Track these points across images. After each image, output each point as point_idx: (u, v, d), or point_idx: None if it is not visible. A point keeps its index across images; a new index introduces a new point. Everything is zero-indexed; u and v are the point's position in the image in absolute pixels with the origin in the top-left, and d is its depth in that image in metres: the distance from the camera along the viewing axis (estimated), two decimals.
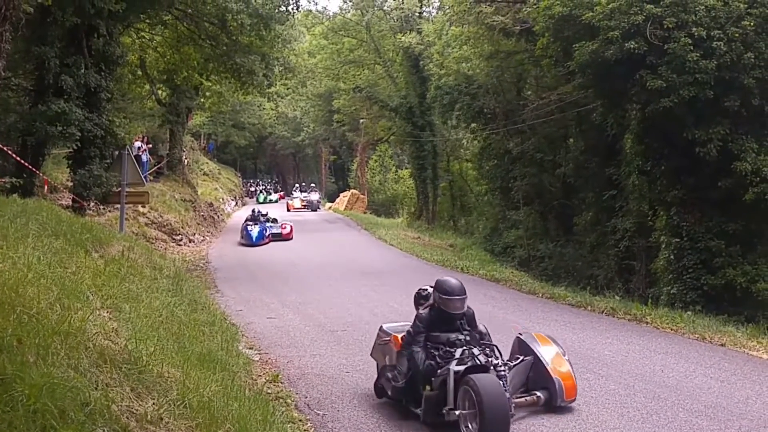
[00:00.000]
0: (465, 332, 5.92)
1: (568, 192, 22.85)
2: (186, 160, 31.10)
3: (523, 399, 5.93)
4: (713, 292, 13.71)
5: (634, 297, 15.30)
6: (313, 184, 53.84)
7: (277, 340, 9.27)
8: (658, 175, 15.04)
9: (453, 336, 5.87)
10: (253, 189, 57.58)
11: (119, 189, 14.79)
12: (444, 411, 5.47)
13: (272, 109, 53.16)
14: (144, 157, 22.64)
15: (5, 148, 12.73)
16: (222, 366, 6.16)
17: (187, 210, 24.17)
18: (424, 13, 36.60)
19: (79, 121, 13.31)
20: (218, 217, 30.40)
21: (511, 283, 14.98)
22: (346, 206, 42.31)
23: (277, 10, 18.76)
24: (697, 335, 9.45)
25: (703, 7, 13.33)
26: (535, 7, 16.62)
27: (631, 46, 13.26)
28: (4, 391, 3.06)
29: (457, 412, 5.37)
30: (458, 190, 36.65)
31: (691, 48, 13.07)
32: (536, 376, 6.08)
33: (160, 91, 26.61)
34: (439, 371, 5.65)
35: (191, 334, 6.96)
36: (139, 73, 23.76)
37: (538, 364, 6.09)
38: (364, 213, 39.66)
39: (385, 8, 38.03)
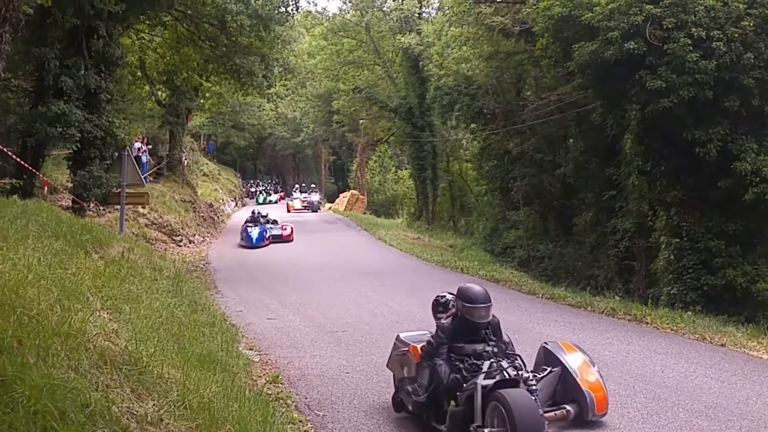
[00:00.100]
0: (491, 343, 5.56)
1: (568, 192, 22.86)
2: (186, 161, 31.09)
3: (552, 414, 5.45)
4: (713, 293, 13.71)
5: (634, 297, 15.30)
6: (313, 185, 53.85)
7: (277, 341, 9.26)
8: (658, 175, 15.04)
9: (479, 347, 5.52)
10: (253, 190, 57.62)
11: (119, 190, 14.80)
12: (471, 428, 5.08)
13: (272, 110, 53.17)
14: (144, 158, 22.63)
15: (5, 150, 12.73)
16: (222, 367, 6.16)
17: (187, 211, 24.17)
18: (424, 14, 36.64)
19: (79, 122, 13.31)
20: (218, 218, 30.40)
21: (511, 284, 14.98)
22: (346, 207, 42.31)
23: (276, 11, 18.77)
24: (697, 335, 9.44)
25: (702, 7, 13.34)
26: (534, 7, 16.63)
27: (631, 46, 13.26)
28: (4, 393, 3.06)
29: (486, 430, 4.99)
30: (458, 191, 36.67)
31: (691, 48, 13.08)
32: (564, 388, 5.65)
33: (159, 92, 26.61)
34: (465, 385, 5.28)
35: (191, 335, 6.96)
36: (139, 74, 23.75)
37: (566, 375, 5.67)
38: (364, 213, 39.64)
39: (384, 9, 38.03)
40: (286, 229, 23.85)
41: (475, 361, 5.44)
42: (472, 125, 26.79)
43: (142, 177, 17.32)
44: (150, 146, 24.97)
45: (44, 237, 7.49)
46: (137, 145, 22.35)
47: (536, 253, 23.18)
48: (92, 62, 14.13)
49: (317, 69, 41.10)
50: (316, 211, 40.77)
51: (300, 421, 5.96)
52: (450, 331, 5.61)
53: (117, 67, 15.63)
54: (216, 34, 18.84)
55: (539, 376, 5.58)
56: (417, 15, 35.65)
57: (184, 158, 30.16)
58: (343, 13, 40.96)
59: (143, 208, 19.05)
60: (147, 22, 18.84)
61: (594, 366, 5.80)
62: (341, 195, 48.20)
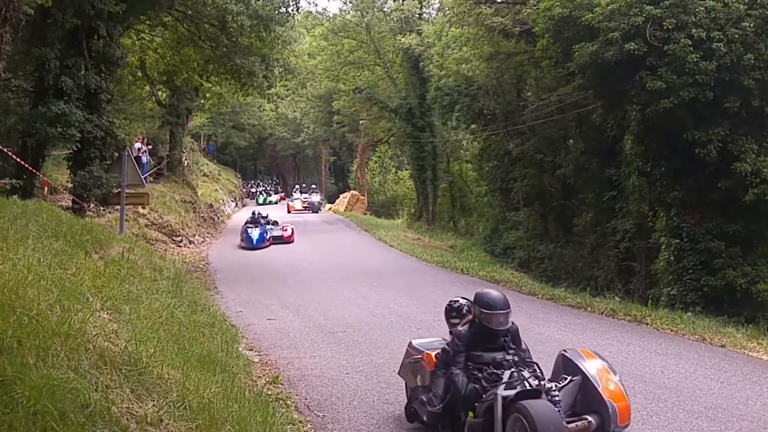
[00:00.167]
0: (511, 351, 5.34)
1: (568, 193, 22.86)
2: (186, 162, 31.10)
3: (574, 425, 5.10)
4: (713, 293, 13.72)
5: (634, 298, 15.30)
6: (314, 185, 53.86)
7: (277, 342, 9.26)
8: (658, 176, 15.04)
9: (499, 356, 5.30)
10: (253, 190, 57.58)
11: (119, 190, 14.81)
12: None
13: (272, 111, 53.11)
14: (144, 159, 22.63)
15: (5, 150, 12.73)
16: (222, 367, 6.15)
17: (187, 211, 24.17)
18: (424, 15, 36.68)
19: (79, 122, 13.31)
20: (218, 218, 30.41)
21: (511, 284, 14.96)
22: (346, 207, 42.30)
23: (277, 12, 18.77)
24: (697, 336, 9.44)
25: (702, 8, 13.35)
26: (534, 8, 16.64)
27: (631, 47, 13.27)
28: (4, 393, 3.06)
29: None
30: (458, 191, 36.69)
31: (691, 49, 13.09)
32: (585, 397, 5.28)
33: (160, 93, 26.62)
34: (484, 396, 5.06)
35: (191, 336, 6.96)
36: (139, 74, 23.75)
37: (587, 384, 5.29)
38: (364, 214, 39.63)
39: (385, 9, 38.04)
40: (286, 230, 23.74)
41: (494, 371, 5.23)
42: (473, 126, 26.81)
43: (142, 177, 17.32)
44: (150, 146, 24.97)
45: (44, 237, 7.48)
46: (137, 145, 22.34)
47: (536, 253, 23.18)
48: (92, 62, 14.13)
49: (318, 69, 41.09)
50: (317, 212, 40.59)
51: (300, 422, 5.96)
52: (467, 339, 5.38)
53: (117, 67, 15.62)
54: (216, 34, 18.85)
55: (560, 385, 5.27)
56: (417, 15, 35.68)
57: (184, 158, 30.17)
58: (343, 13, 40.95)
59: (143, 208, 19.05)
60: (147, 22, 18.84)
61: (614, 373, 5.43)
62: (341, 195, 48.19)
